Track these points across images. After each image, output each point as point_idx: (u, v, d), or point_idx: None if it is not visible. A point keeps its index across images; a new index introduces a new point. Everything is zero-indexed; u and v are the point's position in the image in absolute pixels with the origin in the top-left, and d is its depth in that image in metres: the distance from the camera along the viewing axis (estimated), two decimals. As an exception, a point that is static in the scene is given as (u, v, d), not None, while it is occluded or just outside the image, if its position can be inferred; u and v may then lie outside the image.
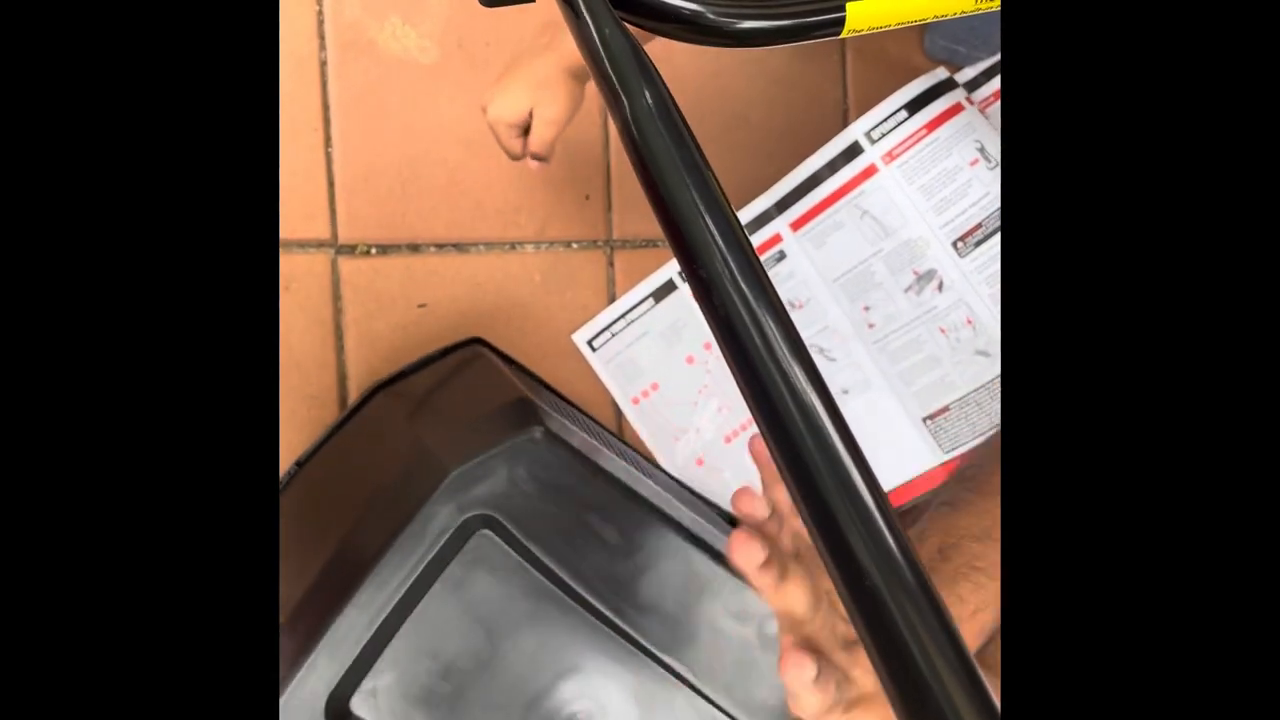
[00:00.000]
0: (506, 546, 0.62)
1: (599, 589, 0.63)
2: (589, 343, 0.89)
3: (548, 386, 0.85)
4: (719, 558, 0.66)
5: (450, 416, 0.70)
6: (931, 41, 0.90)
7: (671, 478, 0.88)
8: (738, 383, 0.31)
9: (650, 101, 0.39)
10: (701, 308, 0.33)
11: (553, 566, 0.63)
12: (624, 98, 0.39)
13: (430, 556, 0.61)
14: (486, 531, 0.61)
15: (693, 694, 0.65)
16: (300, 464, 0.79)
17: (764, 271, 0.34)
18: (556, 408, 0.74)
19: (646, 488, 0.68)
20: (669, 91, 0.39)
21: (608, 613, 0.64)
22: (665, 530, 0.65)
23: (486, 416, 0.66)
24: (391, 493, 0.64)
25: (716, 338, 0.32)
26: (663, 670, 0.65)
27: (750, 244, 0.35)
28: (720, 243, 0.34)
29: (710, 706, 0.66)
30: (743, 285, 0.33)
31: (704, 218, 0.35)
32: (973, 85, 0.88)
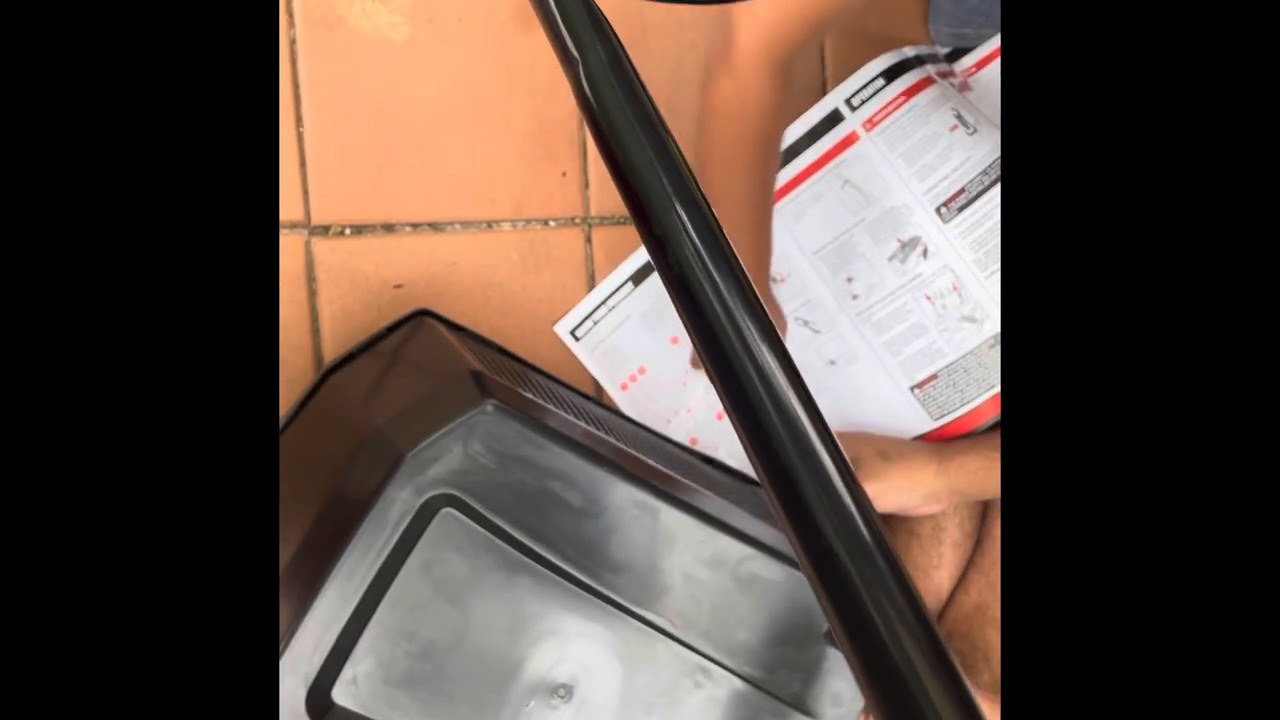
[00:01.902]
0: (471, 522, 0.61)
1: (569, 553, 0.63)
2: (572, 333, 0.88)
3: (500, 349, 0.84)
4: (686, 508, 0.65)
5: (402, 396, 0.69)
6: (936, 29, 0.88)
7: (634, 422, 0.87)
8: (692, 341, 0.30)
9: (604, 58, 0.38)
10: (656, 266, 0.33)
11: (520, 537, 0.62)
12: (577, 55, 0.38)
13: (394, 542, 0.60)
14: (449, 510, 0.61)
15: (674, 644, 0.65)
16: None
17: (720, 229, 0.33)
18: (507, 373, 0.73)
19: (607, 446, 0.67)
20: (624, 48, 0.38)
21: (580, 576, 0.63)
22: (630, 487, 0.64)
23: (437, 393, 0.65)
24: (350, 483, 0.63)
25: (671, 296, 0.31)
26: (642, 625, 0.65)
27: (707, 202, 0.33)
28: (676, 200, 0.33)
29: (692, 654, 0.65)
30: (698, 241, 0.32)
31: (659, 175, 0.34)
32: (953, 56, 0.86)
